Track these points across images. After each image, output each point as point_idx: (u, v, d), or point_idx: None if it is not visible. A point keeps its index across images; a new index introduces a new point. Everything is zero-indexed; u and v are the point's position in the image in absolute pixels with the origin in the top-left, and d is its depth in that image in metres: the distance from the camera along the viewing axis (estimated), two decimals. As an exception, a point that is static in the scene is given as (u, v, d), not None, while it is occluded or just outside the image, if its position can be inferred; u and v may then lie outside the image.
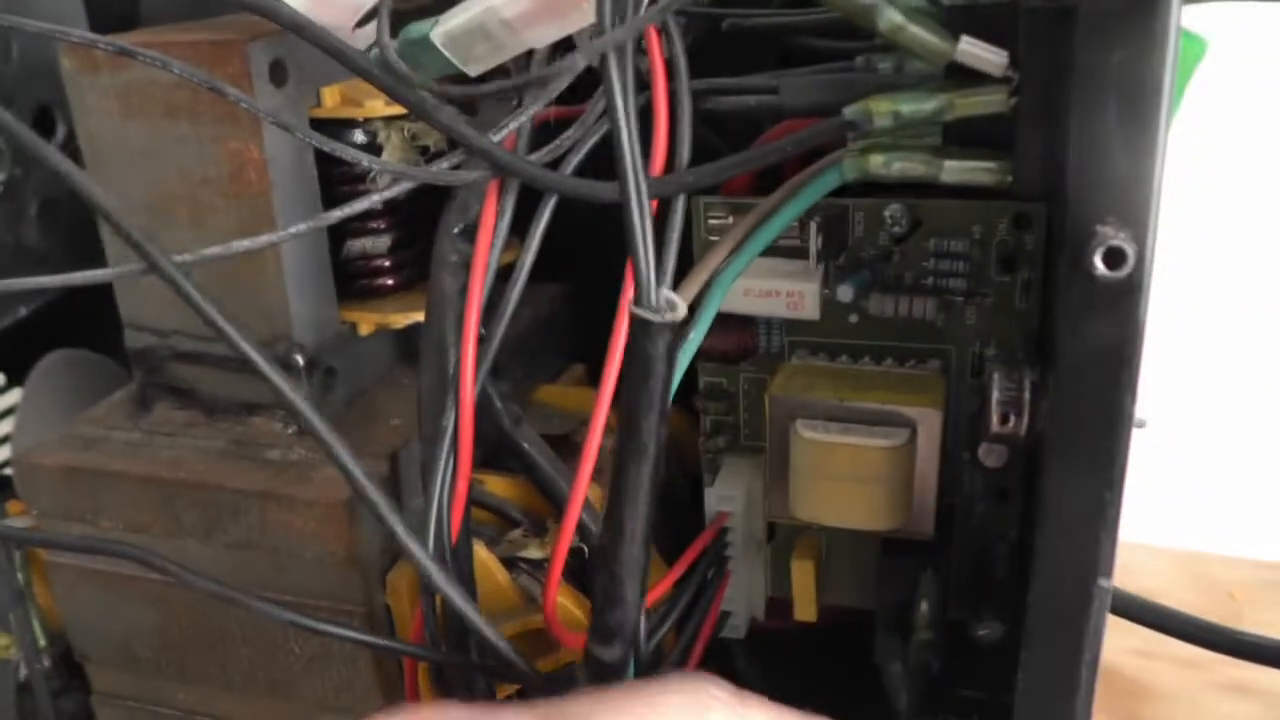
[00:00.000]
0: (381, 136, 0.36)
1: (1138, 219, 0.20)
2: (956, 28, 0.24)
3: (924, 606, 0.31)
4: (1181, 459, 0.61)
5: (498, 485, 0.36)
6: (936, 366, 0.32)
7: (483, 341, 0.29)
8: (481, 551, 0.34)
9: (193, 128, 0.34)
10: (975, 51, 0.24)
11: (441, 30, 0.28)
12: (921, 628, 0.31)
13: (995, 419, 0.27)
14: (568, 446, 0.37)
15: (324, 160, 0.35)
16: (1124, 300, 0.20)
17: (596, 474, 0.26)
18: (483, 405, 0.29)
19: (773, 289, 0.31)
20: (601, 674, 0.26)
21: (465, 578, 0.29)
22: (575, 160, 0.28)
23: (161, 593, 0.37)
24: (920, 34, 0.24)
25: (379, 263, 0.38)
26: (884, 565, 0.32)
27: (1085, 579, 0.22)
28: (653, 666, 0.29)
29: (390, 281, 0.38)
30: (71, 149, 0.36)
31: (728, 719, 0.23)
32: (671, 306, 0.23)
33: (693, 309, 0.29)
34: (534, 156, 0.28)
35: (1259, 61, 0.56)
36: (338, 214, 0.27)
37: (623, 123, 0.23)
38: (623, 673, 0.26)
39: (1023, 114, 0.24)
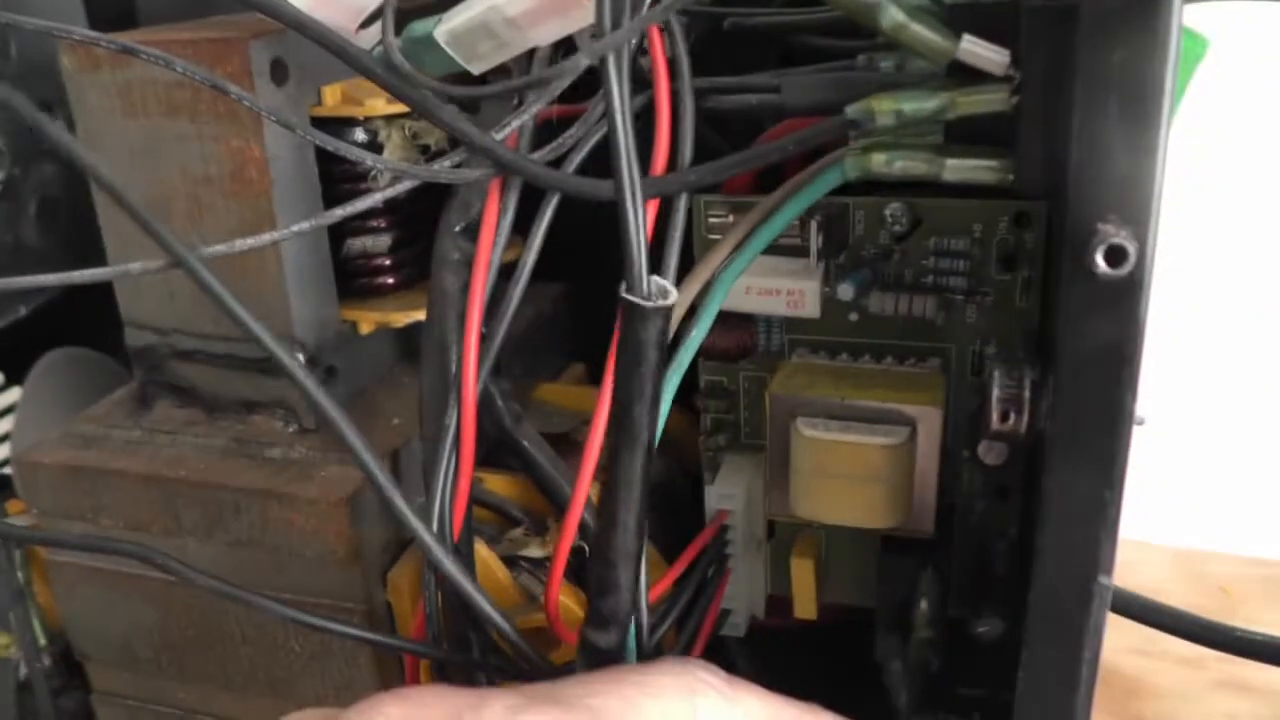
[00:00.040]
0: (382, 135, 0.36)
1: (1139, 217, 0.20)
2: (958, 26, 0.24)
3: (924, 604, 0.31)
4: (1180, 456, 0.61)
5: (498, 484, 0.36)
6: (937, 365, 0.32)
7: (484, 340, 0.29)
8: (482, 550, 0.34)
9: (193, 126, 0.34)
10: (977, 50, 0.24)
11: (445, 28, 0.28)
12: (921, 626, 0.31)
13: (995, 417, 0.27)
14: (568, 445, 0.37)
15: (325, 159, 0.35)
16: (1125, 298, 0.20)
17: (597, 472, 0.26)
18: (484, 403, 0.29)
19: (773, 287, 0.31)
20: (597, 659, 0.26)
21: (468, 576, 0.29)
22: (577, 159, 0.28)
23: (162, 591, 0.37)
24: (922, 32, 0.24)
25: (379, 261, 0.38)
26: (884, 563, 0.32)
27: (1086, 576, 0.22)
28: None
29: (391, 280, 0.38)
30: (71, 147, 0.36)
31: (717, 702, 0.23)
32: (663, 293, 0.23)
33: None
34: (536, 155, 0.28)
35: (1260, 61, 0.56)
36: (339, 213, 0.27)
37: (619, 119, 0.23)
38: (618, 658, 0.26)
39: (1024, 112, 0.24)
